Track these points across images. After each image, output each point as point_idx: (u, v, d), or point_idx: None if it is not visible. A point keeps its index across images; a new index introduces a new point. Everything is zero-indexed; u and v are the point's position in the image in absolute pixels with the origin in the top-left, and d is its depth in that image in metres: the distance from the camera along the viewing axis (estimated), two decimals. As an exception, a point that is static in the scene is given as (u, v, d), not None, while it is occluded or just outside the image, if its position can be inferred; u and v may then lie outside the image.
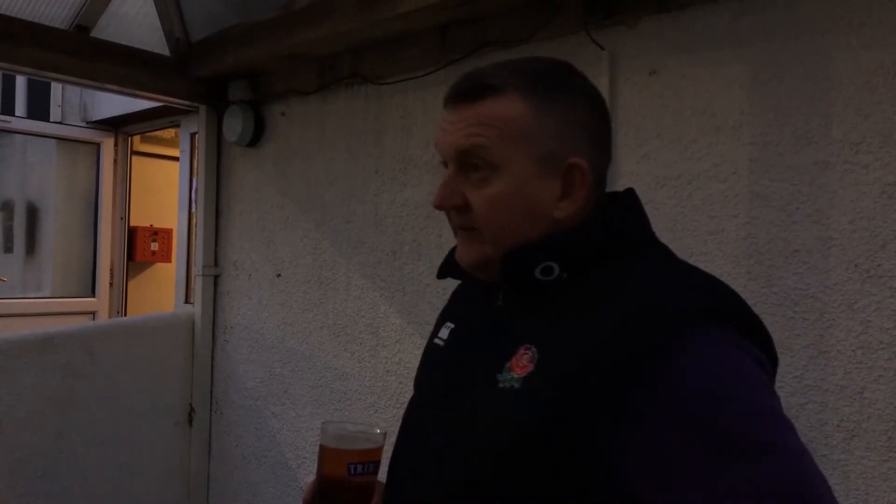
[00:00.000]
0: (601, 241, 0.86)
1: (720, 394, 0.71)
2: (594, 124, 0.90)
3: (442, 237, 2.57)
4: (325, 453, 0.90)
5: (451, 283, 2.67)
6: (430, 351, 1.03)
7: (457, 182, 0.88)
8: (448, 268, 1.01)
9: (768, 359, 0.82)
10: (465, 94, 0.88)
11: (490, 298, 0.94)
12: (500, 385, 0.82)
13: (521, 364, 0.81)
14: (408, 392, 2.58)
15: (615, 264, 0.84)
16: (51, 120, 5.10)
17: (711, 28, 1.96)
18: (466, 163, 0.87)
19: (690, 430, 0.69)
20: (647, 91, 2.06)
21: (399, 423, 1.02)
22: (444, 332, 1.01)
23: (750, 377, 0.74)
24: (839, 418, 1.73)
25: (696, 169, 1.98)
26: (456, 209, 0.89)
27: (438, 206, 0.90)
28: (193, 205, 3.85)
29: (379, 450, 0.89)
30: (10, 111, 5.91)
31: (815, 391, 1.76)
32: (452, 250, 1.02)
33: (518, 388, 0.80)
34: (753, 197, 1.88)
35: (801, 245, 1.80)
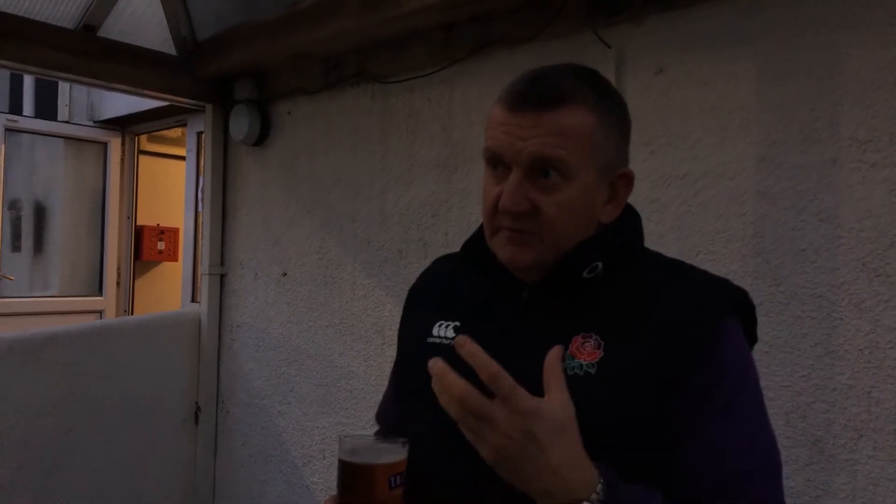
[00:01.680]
0: (632, 241, 0.97)
1: (742, 369, 0.89)
2: (629, 132, 0.98)
3: (448, 235, 2.57)
4: (358, 470, 0.84)
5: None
6: (429, 351, 0.94)
7: (526, 186, 0.89)
8: (467, 261, 1.03)
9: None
10: (539, 100, 0.88)
11: (505, 294, 0.96)
12: (570, 373, 0.85)
13: (587, 351, 0.87)
14: (413, 391, 2.58)
15: (634, 261, 0.95)
16: (58, 119, 5.12)
17: (718, 26, 1.95)
18: (538, 169, 0.88)
19: (723, 391, 0.86)
20: (654, 89, 2.05)
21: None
22: (443, 331, 0.99)
23: (751, 358, 0.92)
24: (847, 418, 1.72)
25: (703, 167, 1.97)
26: (519, 213, 0.89)
27: (507, 211, 0.89)
28: (200, 204, 3.86)
29: (406, 460, 0.85)
30: (17, 111, 5.94)
31: (823, 390, 1.75)
32: (467, 243, 1.03)
33: (593, 374, 0.86)
34: (760, 196, 1.87)
35: (808, 244, 1.79)
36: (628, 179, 0.95)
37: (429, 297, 1.09)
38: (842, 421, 1.73)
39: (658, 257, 0.99)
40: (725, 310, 0.89)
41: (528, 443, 0.72)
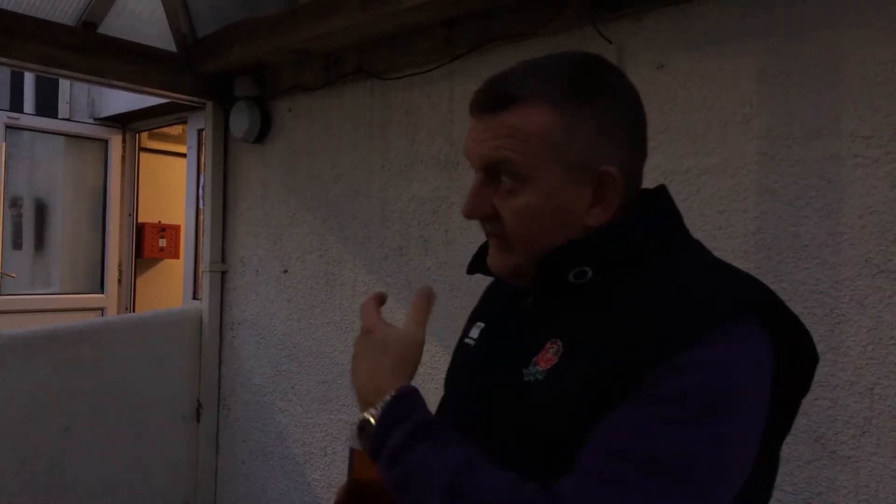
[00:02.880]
0: (631, 244, 0.85)
1: (701, 378, 0.74)
2: (630, 125, 0.88)
3: (448, 233, 2.56)
4: (357, 456, 0.88)
5: (458, 282, 2.65)
6: (461, 351, 1.03)
7: (485, 191, 0.87)
8: (477, 264, 1.00)
9: (796, 358, 0.81)
10: (489, 103, 0.85)
11: (519, 298, 0.95)
12: (526, 378, 0.84)
13: (547, 358, 0.83)
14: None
15: (644, 264, 0.84)
16: (59, 117, 5.12)
17: (720, 21, 1.95)
18: (493, 173, 0.86)
19: (657, 393, 0.74)
20: (655, 85, 2.05)
21: None
22: (474, 332, 1.01)
23: (736, 395, 0.76)
24: (849, 414, 1.72)
25: (705, 163, 1.96)
26: (486, 218, 0.88)
27: (468, 217, 0.89)
28: (201, 201, 3.85)
29: None
30: (18, 108, 5.94)
31: (825, 387, 1.75)
32: (483, 246, 1.01)
33: (542, 380, 0.82)
34: (762, 191, 1.87)
35: (810, 240, 1.79)
36: (612, 179, 0.84)
37: (481, 300, 1.12)
38: (844, 417, 1.72)
39: (689, 258, 0.87)
40: (709, 320, 0.76)
41: (358, 353, 0.90)
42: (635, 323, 0.78)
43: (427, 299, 0.91)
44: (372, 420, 0.82)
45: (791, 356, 0.80)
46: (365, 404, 0.85)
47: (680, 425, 0.72)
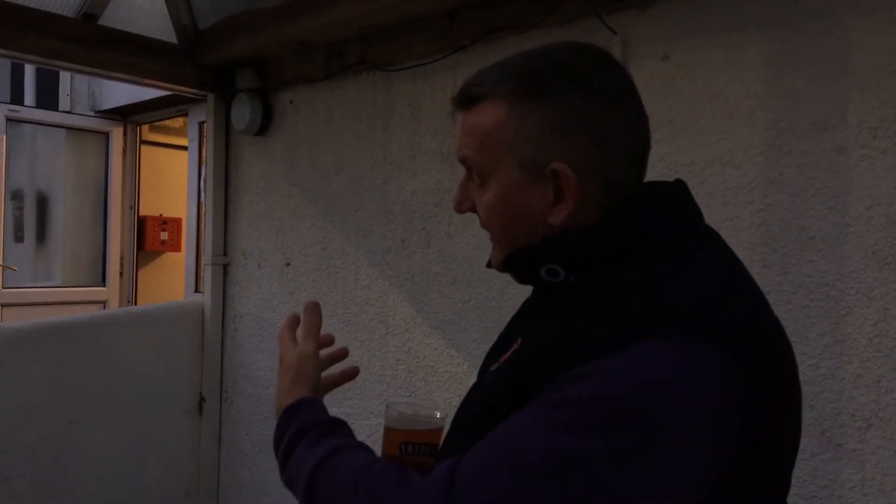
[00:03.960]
0: (602, 242, 0.81)
1: (601, 387, 0.69)
2: (597, 121, 0.82)
3: (451, 226, 2.55)
4: (384, 433, 0.95)
5: (460, 274, 2.63)
6: None
7: (467, 186, 0.90)
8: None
9: (763, 383, 0.73)
10: (459, 102, 0.88)
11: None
12: (487, 377, 0.89)
13: (506, 356, 0.85)
14: (417, 381, 2.58)
15: (623, 265, 0.79)
16: (59, 109, 5.10)
17: (725, 12, 1.93)
18: (468, 170, 0.89)
19: (553, 397, 0.71)
20: (660, 76, 2.03)
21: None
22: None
23: (644, 411, 0.68)
24: (855, 407, 1.71)
25: (710, 155, 1.95)
26: (474, 213, 0.91)
27: (454, 210, 0.93)
28: (202, 194, 3.84)
29: (432, 432, 0.91)
30: (19, 101, 5.93)
31: (831, 380, 1.74)
32: None
33: (487, 378, 0.87)
34: (768, 183, 1.85)
35: (816, 232, 1.78)
36: (564, 176, 0.80)
37: None
38: (850, 410, 1.72)
39: (673, 258, 0.79)
40: (637, 329, 0.71)
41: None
42: (570, 325, 0.76)
43: (314, 313, 1.04)
44: None
45: (757, 381, 0.72)
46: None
47: (561, 431, 0.68)
